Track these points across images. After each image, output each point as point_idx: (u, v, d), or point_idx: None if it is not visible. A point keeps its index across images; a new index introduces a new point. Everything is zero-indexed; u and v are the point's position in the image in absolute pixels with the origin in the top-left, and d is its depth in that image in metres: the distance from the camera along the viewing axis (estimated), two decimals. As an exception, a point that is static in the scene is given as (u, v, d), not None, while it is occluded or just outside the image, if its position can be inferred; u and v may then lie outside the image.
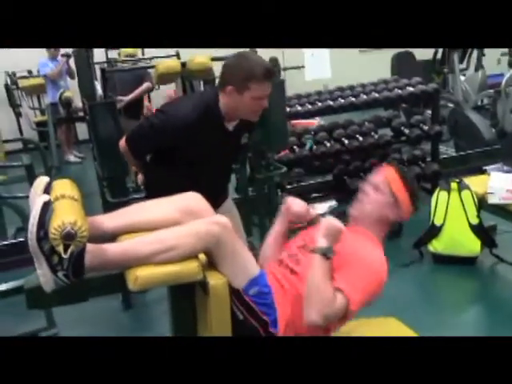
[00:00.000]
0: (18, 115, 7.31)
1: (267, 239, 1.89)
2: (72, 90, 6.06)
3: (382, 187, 1.76)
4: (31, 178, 3.59)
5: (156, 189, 2.05)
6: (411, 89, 4.31)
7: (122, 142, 2.18)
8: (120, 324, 2.96)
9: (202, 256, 1.56)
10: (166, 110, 2.08)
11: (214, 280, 1.51)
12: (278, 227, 1.88)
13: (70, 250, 1.37)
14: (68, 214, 1.40)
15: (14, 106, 7.26)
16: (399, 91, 4.29)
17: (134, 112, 4.85)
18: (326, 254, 1.52)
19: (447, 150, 5.27)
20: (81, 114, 5.93)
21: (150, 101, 7.04)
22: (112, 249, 1.52)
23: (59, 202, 1.50)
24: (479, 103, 6.66)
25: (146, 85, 4.97)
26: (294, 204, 1.82)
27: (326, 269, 1.52)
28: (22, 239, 3.31)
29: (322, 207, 4.29)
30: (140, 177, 2.41)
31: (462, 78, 6.24)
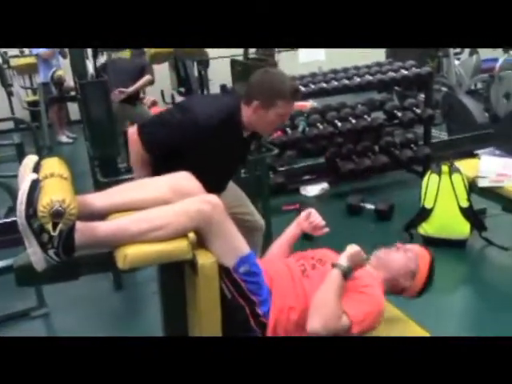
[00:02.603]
0: (10, 94, 7.22)
1: (274, 243, 1.99)
2: (64, 69, 6.00)
3: (412, 256, 1.86)
4: (22, 157, 3.56)
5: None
6: (405, 72, 4.30)
7: (133, 132, 2.06)
8: (111, 304, 2.98)
9: (191, 235, 1.56)
10: (190, 105, 2.07)
11: (203, 259, 1.52)
12: (289, 233, 1.97)
13: (59, 228, 1.37)
14: (56, 192, 1.40)
15: (6, 85, 7.16)
16: (393, 74, 4.28)
17: (129, 97, 4.79)
18: (346, 272, 1.60)
19: (440, 134, 5.27)
20: (73, 93, 5.87)
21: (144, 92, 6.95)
22: (102, 227, 1.52)
23: (48, 181, 1.50)
24: (473, 87, 6.66)
25: (147, 77, 4.89)
26: (314, 215, 1.91)
27: (341, 286, 1.59)
28: (13, 219, 3.29)
29: (314, 189, 4.30)
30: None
31: (457, 62, 6.22)
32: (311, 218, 1.90)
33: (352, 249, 1.66)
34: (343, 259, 1.63)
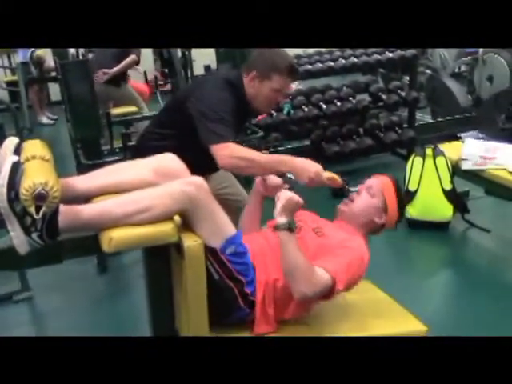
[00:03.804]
0: (-12, 75, 7.08)
1: (243, 216, 1.94)
2: (44, 49, 5.88)
3: (375, 191, 1.81)
4: (1, 139, 3.50)
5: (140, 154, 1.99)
6: (390, 54, 4.30)
7: (223, 153, 1.86)
8: (95, 288, 2.95)
9: (176, 217, 1.54)
10: (210, 88, 2.02)
11: (189, 242, 1.51)
12: (251, 202, 1.93)
13: (42, 211, 1.35)
14: (39, 174, 1.38)
15: (-17, 64, 7.02)
16: (378, 56, 4.27)
17: (114, 77, 4.68)
18: (289, 228, 1.53)
19: (423, 117, 5.29)
20: (53, 73, 5.76)
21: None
22: (86, 210, 1.50)
23: (30, 163, 1.47)
24: (457, 70, 6.68)
25: (131, 57, 4.72)
26: (269, 178, 1.86)
27: (295, 241, 1.54)
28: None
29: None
30: None
31: (441, 44, 6.23)
32: (268, 181, 1.85)
33: (283, 200, 1.55)
34: (280, 217, 1.54)
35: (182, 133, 2.03)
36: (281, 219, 1.54)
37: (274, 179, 1.86)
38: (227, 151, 1.85)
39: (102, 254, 1.87)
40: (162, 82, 6.26)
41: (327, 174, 1.83)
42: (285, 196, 1.56)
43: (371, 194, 1.82)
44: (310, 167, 1.80)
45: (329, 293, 1.55)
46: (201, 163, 1.79)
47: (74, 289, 2.91)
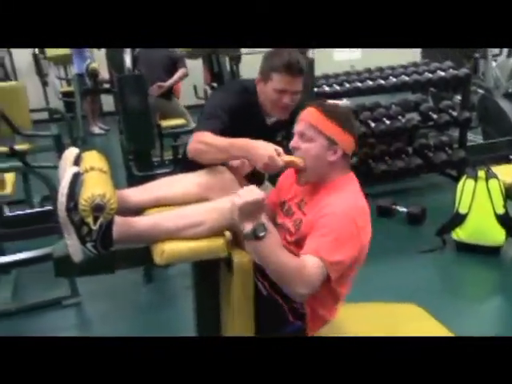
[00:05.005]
0: (45, 85, 7.35)
1: None
2: (98, 61, 6.07)
3: (308, 133, 1.58)
4: (59, 148, 3.64)
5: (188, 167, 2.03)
6: (442, 73, 4.22)
7: (195, 138, 1.82)
8: (141, 297, 3.00)
9: (227, 233, 1.56)
10: (219, 90, 2.05)
11: (239, 257, 1.51)
12: None
13: (99, 222, 1.39)
14: (98, 186, 1.42)
15: (42, 75, 7.30)
16: (429, 75, 4.20)
17: (165, 91, 4.80)
18: (258, 234, 1.34)
19: (475, 137, 5.17)
20: (106, 85, 5.95)
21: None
22: (140, 222, 1.53)
23: (89, 174, 1.52)
24: (510, 90, 6.50)
25: (182, 71, 4.88)
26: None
27: (270, 245, 1.37)
28: (47, 208, 3.36)
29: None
30: None
31: (494, 63, 6.08)
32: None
33: (236, 207, 1.34)
34: (244, 226, 1.35)
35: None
36: (245, 228, 1.36)
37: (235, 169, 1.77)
38: (196, 137, 1.80)
39: (151, 265, 1.90)
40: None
41: (285, 158, 1.62)
42: (237, 201, 1.34)
43: (308, 139, 1.57)
44: (264, 151, 1.63)
45: (338, 275, 1.44)
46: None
47: (120, 296, 2.97)
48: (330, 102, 1.76)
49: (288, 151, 1.66)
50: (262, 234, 1.35)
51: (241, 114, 1.89)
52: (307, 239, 1.48)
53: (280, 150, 1.65)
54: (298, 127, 1.61)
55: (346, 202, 1.51)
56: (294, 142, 1.61)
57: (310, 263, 1.40)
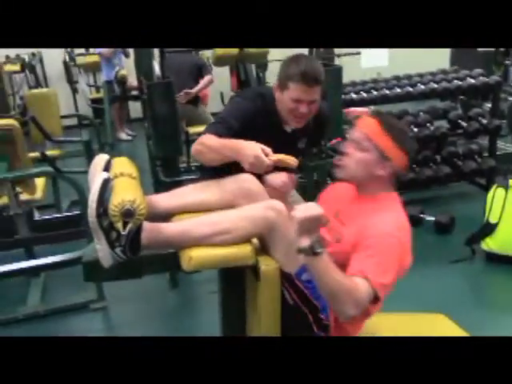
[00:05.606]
0: (75, 91, 7.50)
1: None
2: (126, 68, 6.16)
3: (362, 143, 1.58)
4: (89, 153, 3.70)
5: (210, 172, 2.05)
6: (472, 80, 4.16)
7: (198, 140, 1.83)
8: (166, 302, 3.03)
9: (254, 240, 1.56)
10: (235, 96, 2.05)
11: (266, 265, 1.51)
12: None
13: (128, 227, 1.40)
14: (127, 192, 1.43)
15: (72, 82, 7.45)
16: (459, 82, 4.15)
17: (193, 98, 4.84)
18: (315, 250, 1.34)
19: (505, 146, 5.07)
20: (134, 92, 6.03)
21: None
22: (168, 228, 1.54)
23: (118, 180, 1.53)
24: (541, 98, 6.37)
25: (207, 78, 4.91)
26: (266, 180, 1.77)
27: (325, 264, 1.36)
28: (75, 212, 3.42)
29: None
30: None
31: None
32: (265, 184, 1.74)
33: (296, 222, 1.33)
34: (301, 241, 1.34)
35: None
36: (302, 244, 1.34)
37: (271, 180, 1.74)
38: (198, 139, 1.81)
39: (177, 271, 1.91)
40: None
41: (273, 157, 1.61)
42: (298, 216, 1.33)
43: (362, 148, 1.58)
44: (250, 151, 1.62)
45: (375, 298, 1.43)
46: None
47: (145, 301, 2.99)
48: (389, 115, 1.74)
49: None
50: (319, 251, 1.34)
51: (256, 121, 1.87)
52: (352, 259, 1.46)
53: (268, 150, 1.64)
54: (353, 134, 1.61)
55: (392, 223, 1.50)
56: (348, 149, 1.62)
57: (360, 284, 1.39)
